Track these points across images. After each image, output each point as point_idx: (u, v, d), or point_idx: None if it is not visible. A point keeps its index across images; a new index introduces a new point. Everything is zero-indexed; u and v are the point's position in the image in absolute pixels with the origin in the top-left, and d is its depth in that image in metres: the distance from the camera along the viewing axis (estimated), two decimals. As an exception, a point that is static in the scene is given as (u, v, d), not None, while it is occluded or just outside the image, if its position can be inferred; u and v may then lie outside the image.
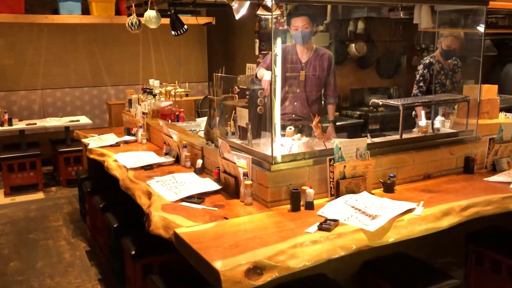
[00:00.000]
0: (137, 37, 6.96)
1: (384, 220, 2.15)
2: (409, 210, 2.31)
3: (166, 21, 3.67)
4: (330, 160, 2.49)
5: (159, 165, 3.30)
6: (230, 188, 2.61)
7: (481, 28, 3.11)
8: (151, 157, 3.45)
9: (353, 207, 2.29)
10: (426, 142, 2.95)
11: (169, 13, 3.24)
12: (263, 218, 2.25)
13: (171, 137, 3.38)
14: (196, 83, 7.51)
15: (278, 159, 2.46)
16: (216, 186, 2.68)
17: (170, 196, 2.58)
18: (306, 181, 2.47)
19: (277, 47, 3.36)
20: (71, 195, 5.54)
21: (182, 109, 4.61)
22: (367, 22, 5.20)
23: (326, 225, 2.09)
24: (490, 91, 3.66)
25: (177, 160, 3.36)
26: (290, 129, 2.90)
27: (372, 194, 2.58)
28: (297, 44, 3.59)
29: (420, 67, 4.29)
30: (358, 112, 5.04)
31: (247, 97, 5.30)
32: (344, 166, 2.51)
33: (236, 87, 5.06)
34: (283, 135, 3.35)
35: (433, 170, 2.91)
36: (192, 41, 7.46)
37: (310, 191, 2.35)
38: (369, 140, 3.05)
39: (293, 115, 3.65)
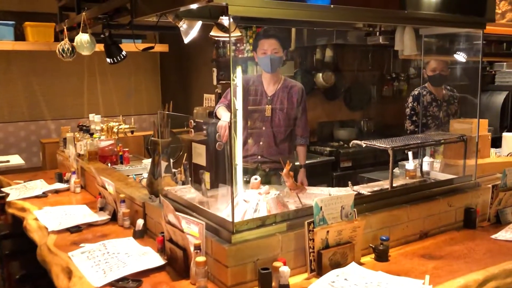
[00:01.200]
0: (81, 65, 6.26)
1: (387, 312, 1.57)
2: (415, 292, 1.74)
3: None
4: (309, 224, 1.91)
5: (90, 225, 2.62)
6: (177, 264, 1.97)
7: (476, 55, 2.65)
8: (82, 214, 2.77)
9: (343, 291, 1.70)
10: (421, 192, 2.43)
11: (102, 36, 2.63)
12: (222, 315, 1.62)
13: (106, 189, 2.72)
14: (148, 115, 6.84)
15: (240, 225, 1.85)
16: (159, 261, 2.03)
17: (97, 277, 1.91)
18: (279, 254, 1.87)
19: (238, 76, 2.82)
20: (-4, 251, 4.69)
21: (127, 149, 3.96)
22: (335, 50, 4.75)
23: (310, 327, 1.49)
24: (480, 126, 3.21)
25: (114, 217, 2.69)
26: (256, 179, 2.31)
27: (362, 264, 2.01)
28: (263, 74, 3.05)
29: (409, 99, 3.99)
30: (328, 148, 4.52)
31: (205, 131, 4.66)
32: (327, 232, 1.94)
33: (192, 121, 4.45)
34: (246, 182, 2.77)
35: (430, 227, 2.38)
36: (143, 70, 6.82)
37: (284, 269, 1.75)
38: (352, 189, 2.51)
39: (258, 157, 3.08)
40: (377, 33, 3.06)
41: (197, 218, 2.00)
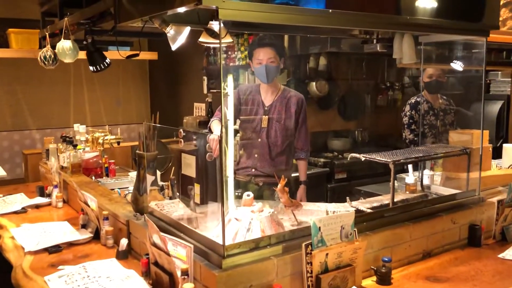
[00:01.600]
0: (67, 73, 6.08)
1: None
2: (423, 322, 1.60)
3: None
4: (306, 246, 1.76)
5: (71, 244, 2.45)
6: (163, 290, 1.81)
7: (479, 63, 2.53)
8: (62, 232, 2.59)
9: (344, 322, 1.55)
10: (423, 209, 2.29)
11: (85, 43, 2.47)
12: None
13: (89, 205, 2.54)
14: (137, 125, 6.67)
15: (232, 248, 1.69)
16: (143, 286, 1.87)
17: (73, 306, 1.74)
18: (274, 280, 1.71)
19: (229, 85, 2.68)
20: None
21: (113, 160, 3.78)
22: (329, 58, 4.62)
23: None
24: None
25: (97, 235, 2.52)
26: (248, 195, 2.15)
27: (364, 289, 1.86)
28: (261, 83, 2.90)
29: (407, 108, 3.88)
30: (322, 160, 4.38)
31: (195, 141, 4.49)
32: (326, 254, 1.79)
33: (182, 130, 4.29)
34: (238, 197, 2.63)
35: (434, 246, 2.24)
36: (132, 78, 6.66)
37: (280, 297, 1.60)
38: (350, 205, 2.37)
39: (252, 170, 2.92)
40: (374, 41, 2.94)
41: (185, 239, 1.84)
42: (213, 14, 1.67)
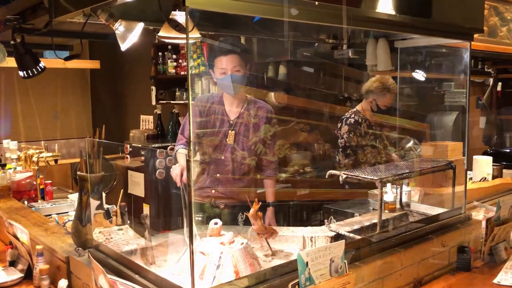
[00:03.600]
0: (-4, 83, 5.49)
1: None
2: None
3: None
4: (293, 287, 1.44)
5: (-5, 287, 2.00)
6: None
7: (464, 70, 2.34)
8: (-16, 272, 2.13)
9: None
10: (412, 232, 2.04)
11: (12, 42, 2.06)
12: None
13: (18, 239, 2.10)
14: (77, 139, 6.13)
15: (203, 295, 1.35)
16: None
17: None
18: (255, 331, 1.39)
19: (180, 96, 2.33)
20: None
21: (50, 181, 3.31)
22: (289, 67, 4.37)
23: None
24: (455, 149, 2.92)
25: (29, 275, 2.08)
26: (216, 224, 1.82)
27: (358, 332, 1.57)
28: (224, 93, 2.57)
29: (344, 129, 3.25)
30: (283, 175, 4.10)
31: (143, 157, 4.13)
32: (316, 295, 1.48)
33: (128, 146, 3.92)
34: (200, 221, 2.29)
35: (424, 273, 2.00)
36: (71, 88, 6.13)
37: None
38: (329, 229, 2.09)
39: (212, 190, 2.57)
40: (344, 46, 2.71)
41: (140, 283, 1.47)
42: (176, 3, 1.34)
